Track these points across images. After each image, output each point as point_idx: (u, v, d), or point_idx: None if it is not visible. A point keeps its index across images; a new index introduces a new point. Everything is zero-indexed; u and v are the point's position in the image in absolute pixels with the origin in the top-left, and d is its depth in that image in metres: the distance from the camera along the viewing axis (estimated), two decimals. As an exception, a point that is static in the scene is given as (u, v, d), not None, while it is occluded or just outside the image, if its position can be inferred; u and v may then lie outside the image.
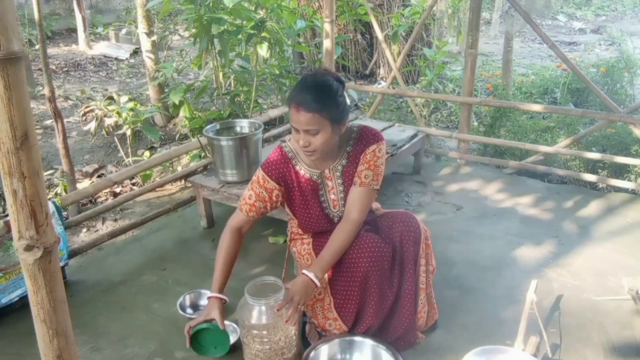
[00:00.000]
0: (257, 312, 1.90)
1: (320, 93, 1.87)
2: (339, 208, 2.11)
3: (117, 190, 3.81)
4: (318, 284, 1.93)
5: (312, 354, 1.97)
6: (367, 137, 2.06)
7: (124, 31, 8.77)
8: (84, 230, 3.31)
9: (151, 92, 4.96)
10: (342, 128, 1.97)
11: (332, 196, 2.10)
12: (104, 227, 3.33)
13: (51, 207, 2.50)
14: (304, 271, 1.94)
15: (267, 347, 1.92)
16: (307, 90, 1.88)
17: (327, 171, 2.09)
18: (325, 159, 2.05)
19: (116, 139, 4.25)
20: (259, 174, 2.08)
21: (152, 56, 4.72)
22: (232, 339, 2.20)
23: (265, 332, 1.90)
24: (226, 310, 2.42)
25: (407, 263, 2.04)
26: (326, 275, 2.05)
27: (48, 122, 5.16)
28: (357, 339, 2.03)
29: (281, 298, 1.89)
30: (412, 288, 2.07)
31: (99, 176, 4.13)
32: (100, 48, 8.56)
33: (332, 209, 2.11)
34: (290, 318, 1.85)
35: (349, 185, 2.08)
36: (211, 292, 2.10)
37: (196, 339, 2.07)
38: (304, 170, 2.08)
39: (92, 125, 4.11)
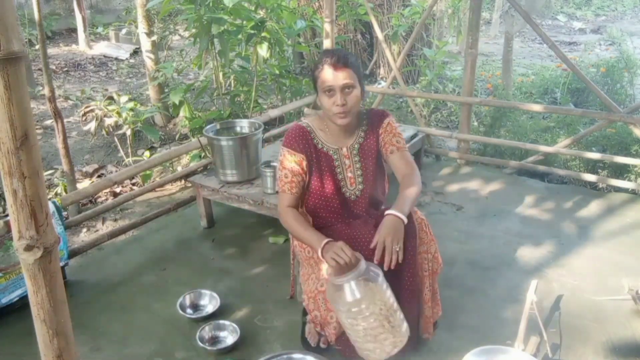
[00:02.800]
0: (349, 290, 1.83)
1: (349, 56, 2.03)
2: (356, 185, 2.15)
3: (117, 190, 3.81)
4: (405, 219, 1.90)
5: None
6: (377, 115, 2.20)
7: (124, 31, 8.77)
8: (84, 230, 3.31)
9: (151, 92, 4.96)
10: (363, 96, 2.08)
11: (349, 174, 2.15)
12: (104, 227, 3.33)
13: (51, 207, 2.50)
14: (387, 212, 1.91)
15: (371, 321, 1.83)
16: (337, 51, 2.02)
17: (344, 149, 2.15)
18: (345, 134, 2.13)
19: (116, 139, 4.25)
20: (284, 151, 2.13)
21: (152, 56, 4.73)
22: (233, 339, 2.21)
23: (364, 307, 1.82)
24: (225, 310, 2.43)
25: (406, 253, 1.99)
26: (327, 269, 2.02)
27: (48, 122, 5.16)
28: (297, 356, 2.02)
29: (363, 267, 1.83)
30: (413, 278, 2.05)
31: (99, 176, 4.13)
32: (100, 48, 8.56)
33: (349, 186, 2.16)
34: (390, 262, 1.83)
35: (367, 162, 2.15)
36: (320, 243, 1.94)
37: None
38: (321, 144, 2.14)
39: (92, 125, 4.10)
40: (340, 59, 1.98)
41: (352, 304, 1.82)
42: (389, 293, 1.88)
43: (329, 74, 1.99)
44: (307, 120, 2.21)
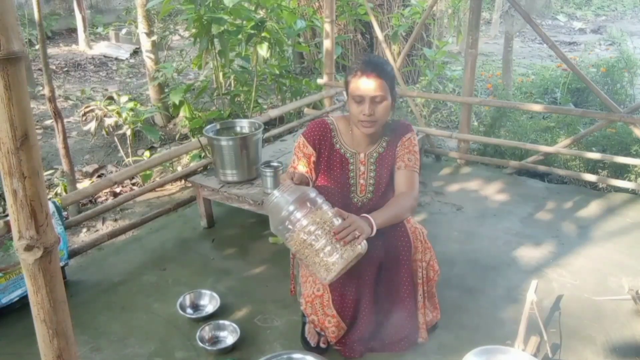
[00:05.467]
0: (282, 201, 1.84)
1: (385, 65, 2.03)
2: (366, 194, 2.16)
3: (117, 190, 3.81)
4: (374, 227, 1.88)
5: None
6: (402, 127, 2.20)
7: (124, 31, 8.77)
8: (84, 230, 3.31)
9: (151, 92, 4.96)
10: (394, 106, 2.08)
11: (362, 181, 2.16)
12: (104, 227, 3.33)
13: (51, 207, 2.50)
14: (363, 215, 1.90)
15: (319, 233, 1.80)
16: (374, 61, 2.00)
17: (362, 155, 2.15)
18: (367, 140, 2.13)
19: (116, 139, 4.25)
20: (300, 140, 2.17)
21: (152, 56, 4.72)
22: (233, 339, 2.20)
23: (303, 220, 1.81)
24: (225, 310, 2.43)
25: (402, 264, 2.05)
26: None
27: (48, 122, 5.16)
28: (297, 356, 2.02)
29: (289, 182, 1.90)
30: (410, 286, 2.07)
31: (99, 176, 4.13)
32: (100, 48, 8.56)
33: (358, 193, 2.17)
34: (340, 234, 1.79)
35: (382, 172, 2.15)
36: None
37: None
38: (339, 144, 2.15)
39: (92, 125, 4.10)
40: (375, 69, 1.96)
41: (289, 215, 1.81)
42: (326, 208, 1.87)
43: (361, 83, 1.97)
44: (334, 118, 2.22)
